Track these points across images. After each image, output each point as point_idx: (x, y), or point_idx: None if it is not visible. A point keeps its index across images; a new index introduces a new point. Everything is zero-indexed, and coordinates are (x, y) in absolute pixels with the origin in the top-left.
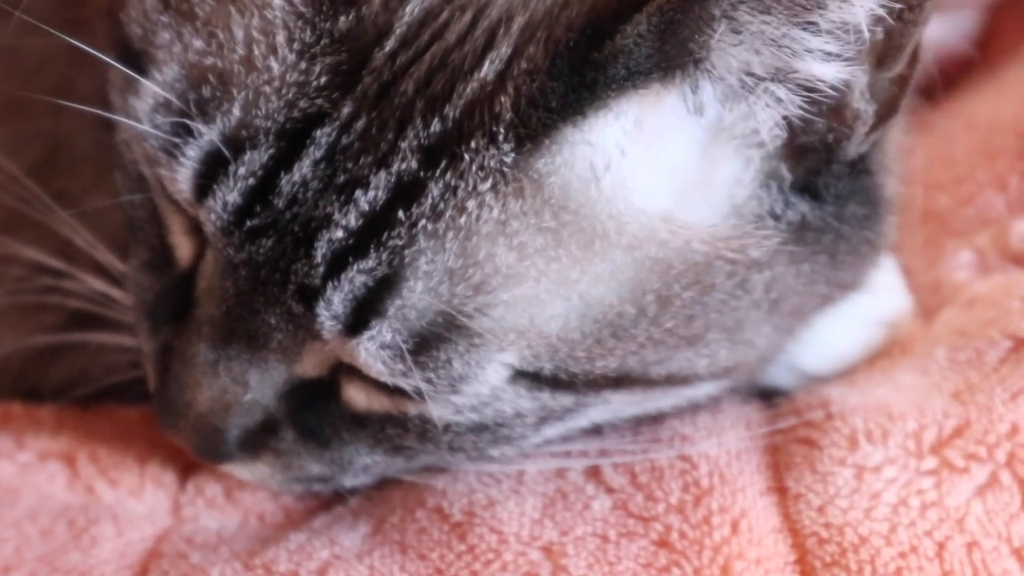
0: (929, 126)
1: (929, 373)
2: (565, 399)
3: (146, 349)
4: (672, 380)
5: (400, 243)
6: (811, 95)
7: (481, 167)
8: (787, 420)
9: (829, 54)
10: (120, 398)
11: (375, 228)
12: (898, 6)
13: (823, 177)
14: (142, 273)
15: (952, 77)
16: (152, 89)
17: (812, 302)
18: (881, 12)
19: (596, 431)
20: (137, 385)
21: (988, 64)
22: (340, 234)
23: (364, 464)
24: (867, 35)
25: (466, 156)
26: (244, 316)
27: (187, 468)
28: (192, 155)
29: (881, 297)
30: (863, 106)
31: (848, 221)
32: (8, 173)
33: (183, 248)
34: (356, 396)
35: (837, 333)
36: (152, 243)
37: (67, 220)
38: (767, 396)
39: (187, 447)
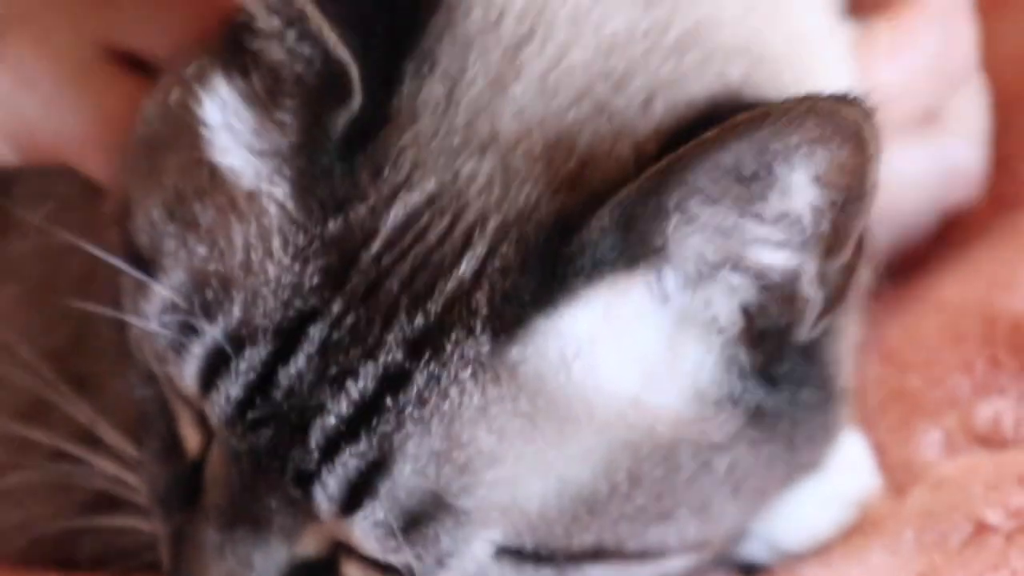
0: (900, 306)
1: (898, 554)
2: (546, 572)
3: (160, 533)
4: (646, 554)
5: (388, 428)
6: (763, 281)
7: (461, 357)
8: None
9: (776, 243)
10: (153, 568)
11: (365, 415)
12: (838, 198)
13: (778, 363)
14: (154, 463)
15: (923, 255)
16: (160, 293)
17: (773, 483)
18: (821, 204)
19: None
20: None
21: (959, 242)
22: (332, 421)
23: None
24: (811, 225)
25: (447, 348)
26: (247, 501)
27: None
28: (197, 352)
29: (850, 478)
30: (812, 293)
31: (802, 407)
32: (30, 359)
33: (191, 439)
34: (355, 574)
35: (810, 513)
36: (163, 435)
37: (81, 408)
38: (749, 571)
39: None
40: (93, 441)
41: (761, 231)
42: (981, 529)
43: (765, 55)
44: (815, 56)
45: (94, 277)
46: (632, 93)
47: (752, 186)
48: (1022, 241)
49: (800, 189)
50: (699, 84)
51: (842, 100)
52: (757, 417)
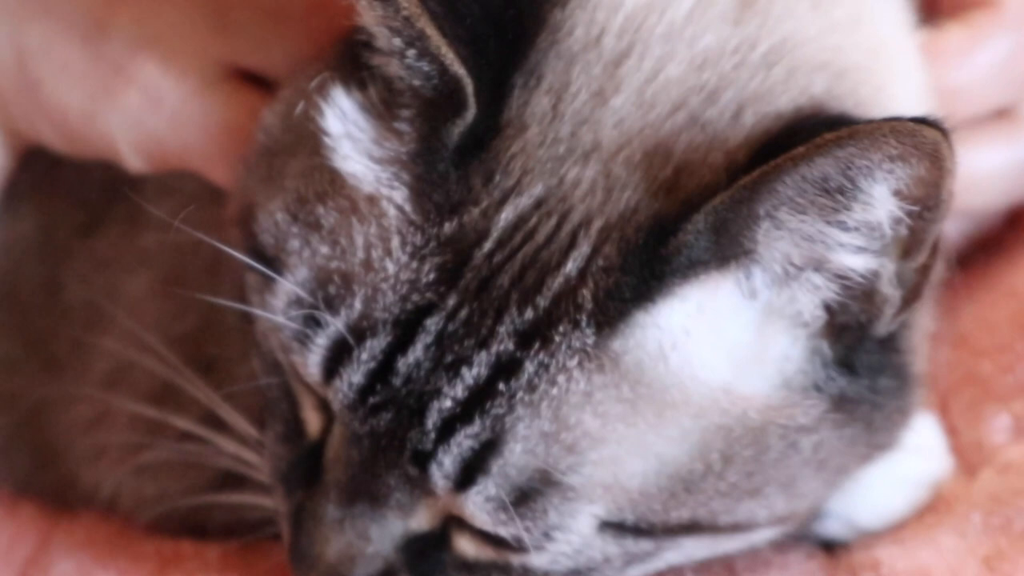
0: (974, 292)
1: (966, 536)
2: (645, 545)
3: (281, 509)
4: (737, 527)
5: (501, 411)
6: (844, 282)
7: (568, 347)
8: None
9: (858, 248)
10: (277, 539)
11: (479, 399)
12: (916, 208)
13: (858, 354)
14: (277, 444)
15: (997, 239)
16: (286, 288)
17: (853, 461)
18: (900, 214)
19: None
20: None
21: None
22: (448, 404)
23: None
24: (890, 232)
25: (555, 339)
26: (366, 479)
27: None
28: (321, 343)
29: (924, 461)
30: (891, 291)
31: (881, 393)
32: (159, 345)
33: (312, 422)
34: (466, 547)
35: (886, 494)
36: (286, 418)
37: (206, 392)
38: (828, 547)
39: None
40: (218, 423)
41: (844, 238)
42: None
43: (845, 68)
44: (890, 66)
45: (220, 269)
46: (723, 105)
47: (837, 197)
48: None
49: (881, 201)
50: (785, 97)
51: (922, 121)
52: (840, 402)
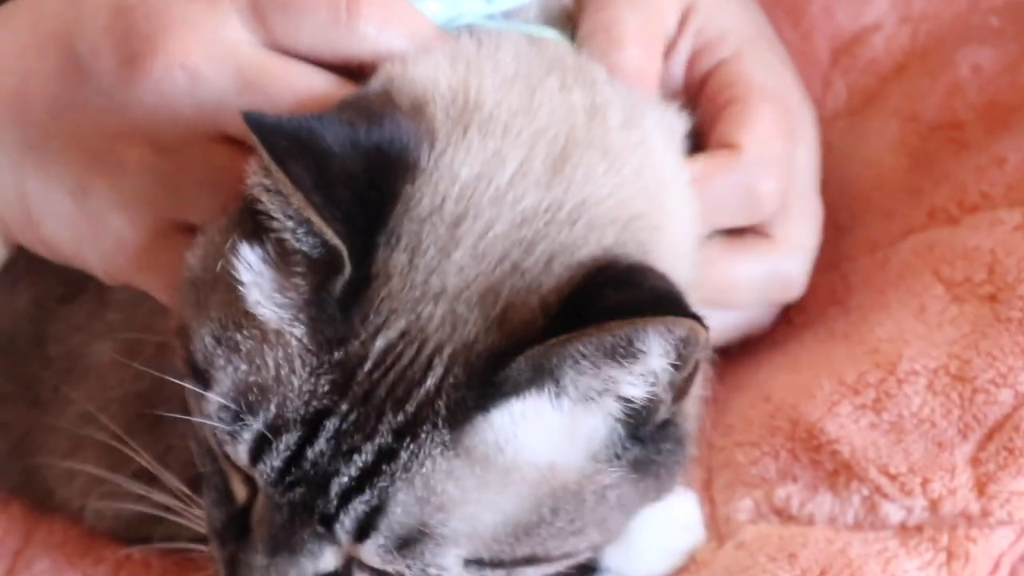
0: (740, 387)
1: None
2: (499, 573)
3: (217, 556)
4: (565, 556)
5: (385, 484)
6: (630, 402)
7: (431, 442)
8: None
9: (639, 383)
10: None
11: (368, 476)
12: (680, 354)
13: (645, 431)
14: (212, 508)
15: (761, 347)
16: (215, 398)
17: (647, 502)
18: (668, 362)
19: None
20: None
21: (799, 325)
22: (345, 480)
23: None
24: (663, 373)
25: (421, 435)
26: (285, 536)
27: None
28: (246, 437)
29: (685, 533)
30: (665, 396)
31: (664, 454)
32: (117, 401)
33: (240, 492)
34: None
35: (652, 559)
36: (218, 488)
37: (143, 456)
38: None
39: None
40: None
41: (628, 378)
42: None
43: (630, 219)
44: (666, 205)
45: (168, 347)
46: (538, 256)
47: (622, 357)
48: (830, 353)
49: (654, 358)
50: (585, 249)
51: (683, 314)
52: (635, 465)
